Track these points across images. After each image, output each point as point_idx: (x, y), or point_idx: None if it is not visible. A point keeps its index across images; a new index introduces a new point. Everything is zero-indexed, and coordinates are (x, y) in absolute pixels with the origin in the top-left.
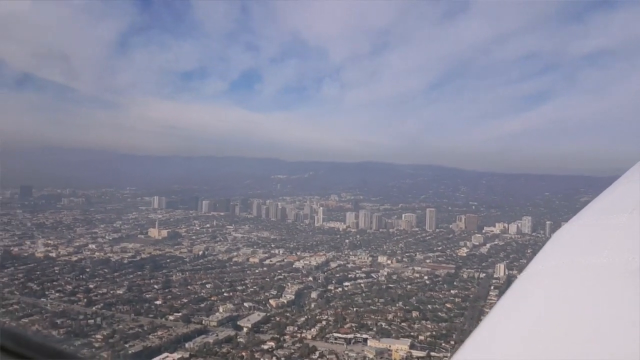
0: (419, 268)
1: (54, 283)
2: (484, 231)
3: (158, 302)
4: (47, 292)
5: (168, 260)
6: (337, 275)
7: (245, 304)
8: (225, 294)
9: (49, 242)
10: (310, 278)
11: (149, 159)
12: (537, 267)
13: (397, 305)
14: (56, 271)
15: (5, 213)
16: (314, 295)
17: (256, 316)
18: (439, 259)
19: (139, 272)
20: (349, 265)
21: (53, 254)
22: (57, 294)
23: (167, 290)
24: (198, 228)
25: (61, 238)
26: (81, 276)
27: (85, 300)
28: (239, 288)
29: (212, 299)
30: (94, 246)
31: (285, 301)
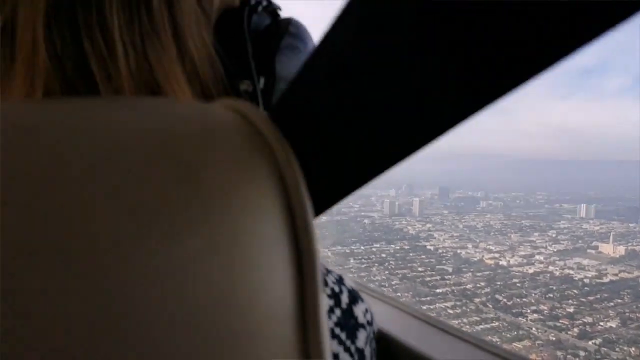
0: None
1: (524, 300)
2: None
3: None
4: (522, 310)
5: None
6: None
7: None
8: None
9: (490, 247)
10: None
11: (543, 163)
12: None
13: None
14: (517, 284)
15: (435, 213)
16: None
17: None
18: None
19: (619, 300)
20: None
21: (503, 263)
22: (534, 315)
23: None
24: None
25: (499, 244)
26: (549, 295)
27: (575, 329)
28: None
29: None
30: (541, 257)
31: None
